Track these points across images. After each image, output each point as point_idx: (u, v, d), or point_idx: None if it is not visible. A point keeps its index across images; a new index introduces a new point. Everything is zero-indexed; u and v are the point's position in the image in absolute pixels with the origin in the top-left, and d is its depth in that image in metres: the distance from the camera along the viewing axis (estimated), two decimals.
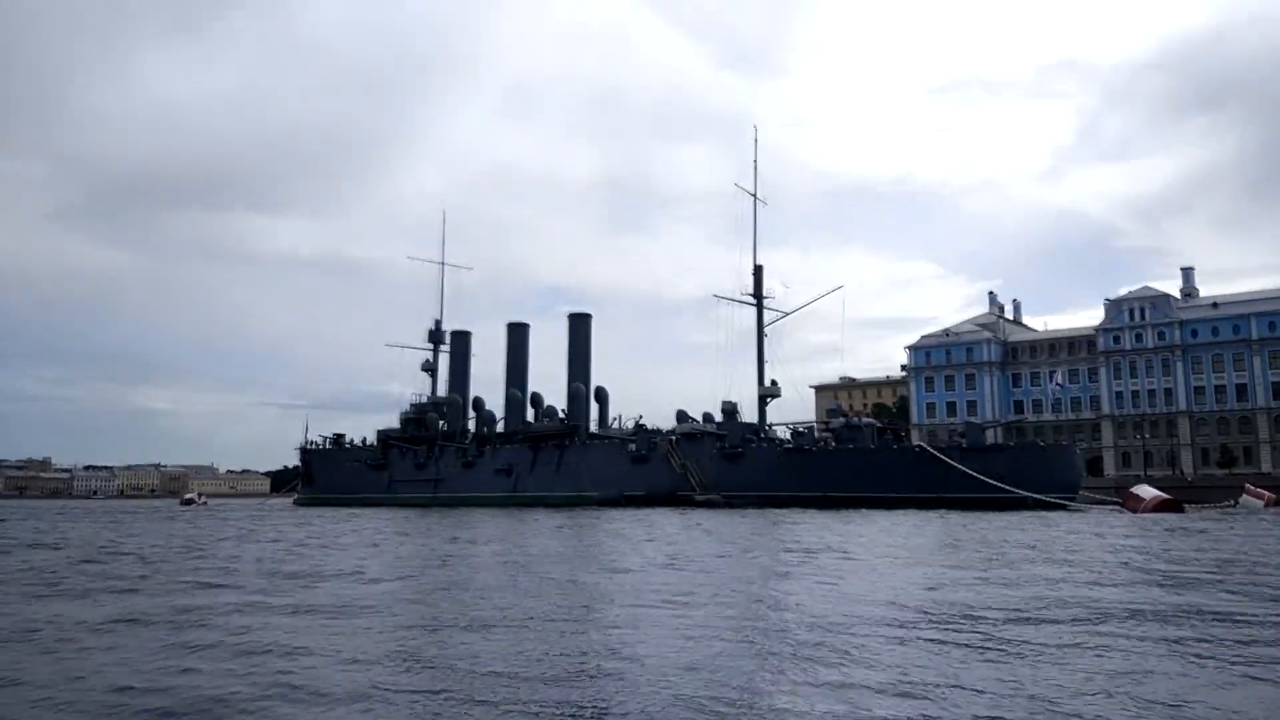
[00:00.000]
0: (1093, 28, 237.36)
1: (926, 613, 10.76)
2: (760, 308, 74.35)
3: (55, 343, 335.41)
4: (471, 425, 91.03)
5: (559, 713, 6.42)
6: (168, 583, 15.09)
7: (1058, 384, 72.24)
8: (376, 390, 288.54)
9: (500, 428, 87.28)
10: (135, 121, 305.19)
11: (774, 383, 74.06)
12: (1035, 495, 53.57)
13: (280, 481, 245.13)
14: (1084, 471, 64.66)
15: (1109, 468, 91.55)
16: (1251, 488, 54.44)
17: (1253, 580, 14.16)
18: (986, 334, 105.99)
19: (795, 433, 69.49)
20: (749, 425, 71.72)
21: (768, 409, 74.36)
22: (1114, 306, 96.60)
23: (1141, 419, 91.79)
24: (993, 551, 20.05)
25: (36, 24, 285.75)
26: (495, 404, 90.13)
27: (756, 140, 77.81)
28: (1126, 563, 17.22)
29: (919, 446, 62.20)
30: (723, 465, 67.91)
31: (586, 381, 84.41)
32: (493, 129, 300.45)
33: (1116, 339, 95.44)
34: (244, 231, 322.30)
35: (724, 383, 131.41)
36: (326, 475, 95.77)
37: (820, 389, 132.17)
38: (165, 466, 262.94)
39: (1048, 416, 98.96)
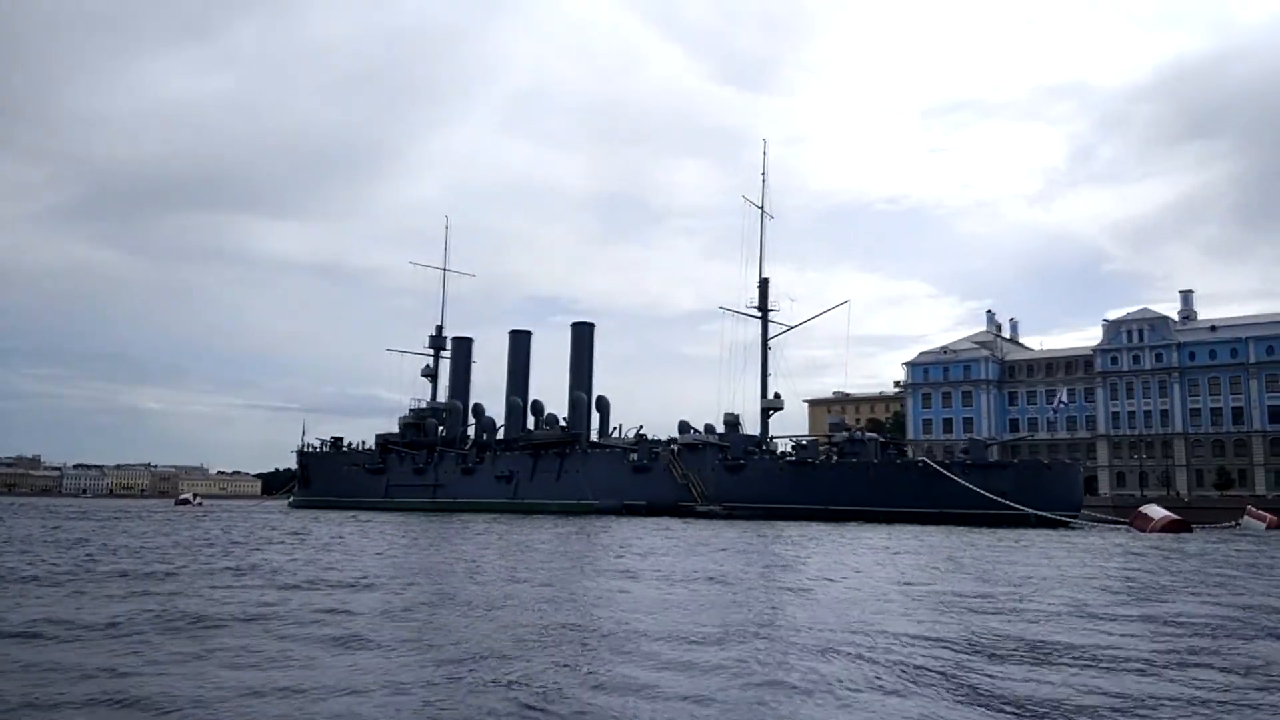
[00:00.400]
0: (1089, 53, 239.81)
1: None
2: (765, 320, 74.81)
3: (49, 341, 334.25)
4: (471, 432, 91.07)
5: None
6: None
7: (1062, 402, 72.78)
8: (368, 395, 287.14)
9: (500, 435, 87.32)
10: (135, 123, 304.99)
11: (777, 395, 74.43)
12: (1039, 512, 53.91)
13: (272, 484, 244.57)
14: (1083, 489, 65.05)
15: (1104, 487, 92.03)
16: (1253, 510, 54.89)
17: None
18: (984, 352, 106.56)
19: (798, 445, 69.78)
20: (751, 437, 72.04)
21: (768, 422, 74.91)
22: (1112, 328, 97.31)
23: (1137, 439, 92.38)
24: (1036, 576, 20.07)
25: (39, 25, 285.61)
26: (493, 411, 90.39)
27: (765, 153, 78.48)
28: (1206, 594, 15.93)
29: (922, 462, 62.55)
30: (725, 476, 68.14)
31: (588, 390, 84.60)
32: (492, 139, 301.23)
33: (1114, 360, 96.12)
34: (240, 234, 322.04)
35: (723, 395, 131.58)
36: (324, 478, 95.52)
37: (814, 403, 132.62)
38: (156, 467, 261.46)
39: (1043, 435, 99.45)
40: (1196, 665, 8.57)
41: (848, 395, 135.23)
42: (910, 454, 72.01)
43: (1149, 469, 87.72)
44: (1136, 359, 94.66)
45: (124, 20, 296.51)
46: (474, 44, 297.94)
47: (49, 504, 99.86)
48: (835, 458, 66.66)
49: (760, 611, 12.34)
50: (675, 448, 73.11)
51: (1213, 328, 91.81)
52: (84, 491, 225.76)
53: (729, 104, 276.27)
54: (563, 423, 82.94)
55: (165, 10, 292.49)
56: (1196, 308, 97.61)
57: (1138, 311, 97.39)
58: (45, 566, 17.97)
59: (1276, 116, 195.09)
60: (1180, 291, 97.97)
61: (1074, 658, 8.91)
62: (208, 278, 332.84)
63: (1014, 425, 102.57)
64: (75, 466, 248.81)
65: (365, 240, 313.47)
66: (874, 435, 70.17)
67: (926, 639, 9.86)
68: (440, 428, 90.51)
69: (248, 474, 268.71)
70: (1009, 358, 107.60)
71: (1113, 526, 52.20)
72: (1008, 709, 6.79)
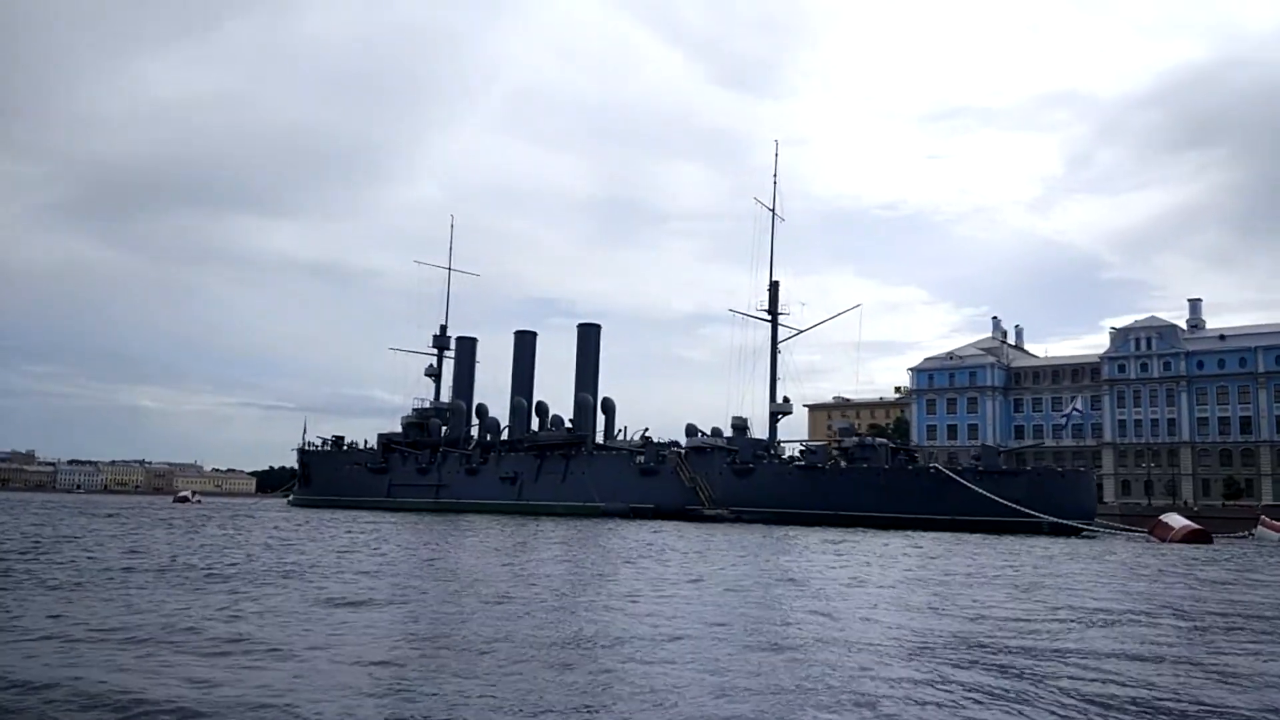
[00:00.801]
0: (1088, 60, 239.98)
1: None
2: (775, 324, 74.18)
3: (46, 339, 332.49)
4: (475, 432, 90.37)
5: None
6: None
7: (1076, 410, 72.46)
8: (364, 395, 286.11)
9: (504, 436, 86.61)
10: (133, 121, 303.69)
11: (786, 400, 73.86)
12: (1054, 519, 53.43)
13: (266, 482, 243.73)
14: (1097, 497, 64.56)
15: (1109, 495, 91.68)
16: (1267, 520, 54.40)
17: None
18: (990, 358, 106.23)
19: (806, 450, 69.18)
20: (759, 441, 71.42)
21: (777, 426, 74.32)
22: (1120, 335, 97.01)
23: (1143, 448, 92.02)
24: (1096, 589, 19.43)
25: (37, 24, 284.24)
26: (495, 412, 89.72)
27: (777, 155, 77.81)
28: None
29: (934, 468, 62.01)
30: (733, 480, 67.49)
31: (594, 392, 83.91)
32: (491, 141, 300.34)
33: (1122, 368, 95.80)
34: (238, 233, 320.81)
35: (731, 398, 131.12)
36: (325, 477, 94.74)
37: (814, 408, 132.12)
38: (150, 463, 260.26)
39: (1048, 442, 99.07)
40: None
41: (848, 400, 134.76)
42: (920, 460, 71.44)
43: (1155, 478, 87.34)
44: (1144, 367, 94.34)
45: (122, 18, 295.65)
46: (472, 45, 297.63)
47: (45, 500, 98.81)
48: (843, 463, 66.13)
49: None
50: (683, 451, 72.48)
51: (1222, 336, 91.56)
52: (78, 487, 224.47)
53: (728, 107, 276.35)
54: (568, 424, 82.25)
55: (164, 8, 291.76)
56: (1191, 319, 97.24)
57: (1146, 319, 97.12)
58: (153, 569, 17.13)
59: (1275, 126, 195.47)
60: (1189, 300, 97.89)
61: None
62: (204, 276, 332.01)
63: (1019, 432, 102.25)
64: (70, 462, 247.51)
65: (362, 241, 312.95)
66: (884, 441, 69.61)
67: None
68: (444, 428, 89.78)
69: (242, 472, 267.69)
70: (1015, 364, 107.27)
71: (1130, 535, 51.66)
72: None
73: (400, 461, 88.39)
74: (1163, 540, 42.97)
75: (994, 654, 9.62)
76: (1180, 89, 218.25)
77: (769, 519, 61.53)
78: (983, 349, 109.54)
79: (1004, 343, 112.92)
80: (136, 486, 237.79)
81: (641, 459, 73.92)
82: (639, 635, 10.34)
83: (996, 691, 7.75)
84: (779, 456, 71.51)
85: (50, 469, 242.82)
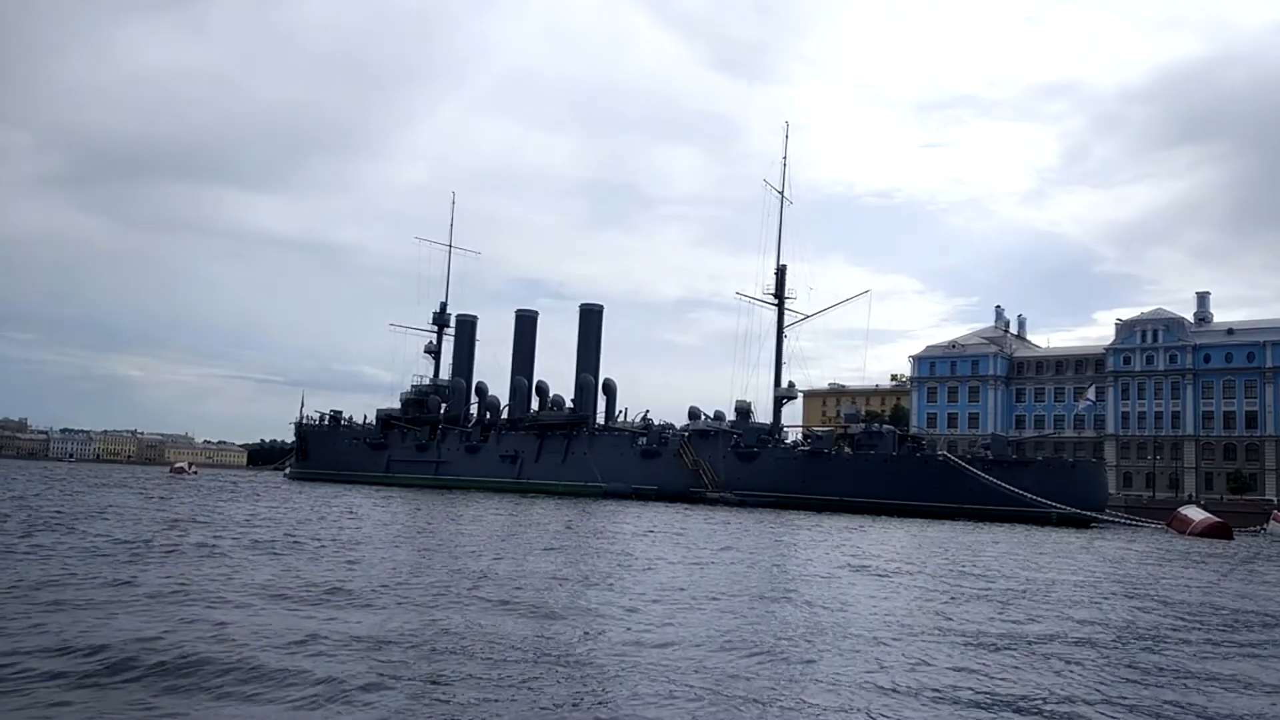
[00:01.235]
0: (1086, 52, 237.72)
1: None
2: (781, 308, 73.37)
3: (30, 307, 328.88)
4: (474, 411, 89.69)
5: None
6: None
7: (1089, 400, 71.71)
8: (352, 371, 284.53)
9: (504, 415, 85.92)
10: (119, 92, 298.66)
11: (791, 385, 73.14)
12: (1065, 509, 52.85)
13: (258, 456, 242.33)
14: (1108, 489, 63.92)
15: (1110, 487, 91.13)
16: (1279, 515, 53.93)
17: None
18: (993, 348, 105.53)
19: (811, 436, 68.52)
20: (763, 426, 70.77)
21: (781, 411, 73.61)
22: (1126, 328, 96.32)
23: (1146, 441, 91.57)
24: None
25: None
26: (495, 392, 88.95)
27: (788, 137, 76.55)
28: None
29: (943, 456, 61.43)
30: (737, 465, 66.86)
31: (595, 373, 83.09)
32: (480, 122, 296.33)
33: (1127, 359, 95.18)
34: (224, 208, 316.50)
35: (721, 383, 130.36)
36: (323, 452, 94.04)
37: (808, 395, 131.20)
38: (142, 434, 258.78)
39: (1049, 432, 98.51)
40: None
41: (843, 388, 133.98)
42: (927, 448, 70.80)
43: (1159, 471, 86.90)
44: (1150, 359, 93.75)
45: None
46: (464, 25, 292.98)
47: (45, 468, 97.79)
48: (848, 449, 65.48)
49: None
50: (686, 433, 71.82)
51: (1230, 330, 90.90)
52: (71, 456, 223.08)
53: (722, 92, 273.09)
54: (569, 405, 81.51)
55: None
56: (1181, 313, 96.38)
57: (1152, 312, 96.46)
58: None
59: (1270, 122, 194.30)
60: (1196, 293, 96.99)
61: None
62: (190, 249, 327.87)
63: (1019, 423, 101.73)
64: (62, 431, 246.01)
65: (349, 218, 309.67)
66: (891, 427, 68.97)
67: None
68: (443, 405, 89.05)
69: (233, 445, 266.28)
70: (1017, 355, 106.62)
71: (1144, 527, 51.05)
72: None
73: (399, 438, 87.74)
74: (1181, 533, 42.36)
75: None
76: (1177, 83, 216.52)
77: (773, 504, 60.95)
78: (985, 338, 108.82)
79: (1006, 332, 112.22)
80: (129, 457, 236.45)
81: (644, 441, 73.31)
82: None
83: None
84: (783, 441, 70.88)
85: (43, 438, 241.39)
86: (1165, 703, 7.37)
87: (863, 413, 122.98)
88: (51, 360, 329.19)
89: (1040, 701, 7.21)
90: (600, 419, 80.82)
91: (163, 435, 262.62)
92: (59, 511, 24.55)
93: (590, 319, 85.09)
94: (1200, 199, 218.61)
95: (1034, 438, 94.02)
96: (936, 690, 7.47)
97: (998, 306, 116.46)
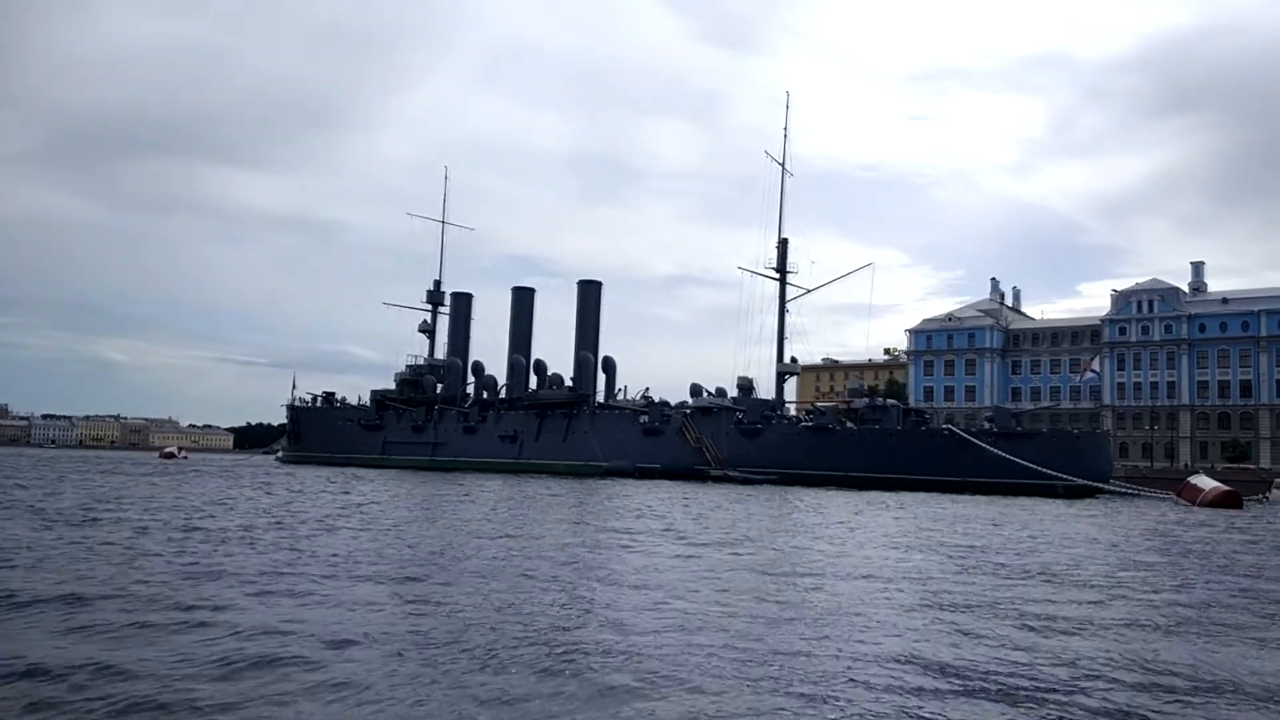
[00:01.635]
0: (1074, 23, 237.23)
1: None
2: (784, 282, 72.72)
3: (9, 288, 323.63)
4: (471, 390, 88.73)
5: None
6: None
7: (1093, 371, 71.65)
8: (339, 350, 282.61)
9: (502, 394, 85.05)
10: (103, 68, 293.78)
11: (794, 360, 72.70)
12: (1070, 479, 52.79)
13: (245, 438, 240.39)
14: (1113, 460, 63.94)
15: None
16: None
17: None
18: (989, 320, 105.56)
19: (815, 411, 68.16)
20: (766, 402, 70.35)
21: (784, 386, 73.21)
22: (1121, 298, 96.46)
23: (1143, 411, 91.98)
24: None
25: None
26: (490, 371, 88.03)
27: (789, 107, 75.55)
28: None
29: (948, 429, 61.21)
30: (740, 441, 66.45)
31: (595, 350, 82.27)
32: (470, 97, 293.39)
33: (1122, 330, 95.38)
34: (208, 185, 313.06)
35: (737, 358, 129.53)
36: (316, 434, 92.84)
37: (803, 370, 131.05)
38: (125, 418, 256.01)
39: (1045, 404, 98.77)
40: None
41: (836, 362, 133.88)
42: (932, 422, 70.66)
43: (1156, 441, 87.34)
44: (1145, 330, 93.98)
45: None
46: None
47: (37, 455, 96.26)
48: (850, 424, 65.16)
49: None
50: (688, 410, 71.30)
51: (1225, 300, 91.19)
52: (52, 442, 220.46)
53: (709, 64, 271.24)
54: (569, 383, 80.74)
55: None
56: (1175, 283, 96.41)
57: (1148, 282, 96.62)
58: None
59: (1257, 93, 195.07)
60: (1191, 263, 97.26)
61: None
62: (174, 227, 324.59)
63: (1016, 394, 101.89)
64: (43, 416, 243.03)
65: (335, 194, 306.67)
66: (894, 401, 68.72)
67: None
68: (439, 385, 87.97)
69: (219, 428, 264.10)
70: (1013, 327, 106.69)
71: (1152, 497, 51.05)
72: None
73: (395, 418, 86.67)
74: (1192, 503, 42.32)
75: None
76: (1164, 54, 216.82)
77: (777, 480, 60.70)
78: (981, 311, 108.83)
79: (1002, 305, 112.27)
80: (113, 442, 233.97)
81: (645, 419, 72.74)
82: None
83: None
84: (787, 417, 70.52)
85: (24, 423, 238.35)
86: None
87: (866, 387, 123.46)
88: (30, 344, 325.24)
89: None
90: (600, 397, 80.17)
91: (147, 419, 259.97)
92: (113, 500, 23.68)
93: (589, 294, 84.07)
94: (1187, 169, 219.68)
95: (1030, 410, 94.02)
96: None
97: (993, 279, 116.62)
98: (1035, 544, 19.49)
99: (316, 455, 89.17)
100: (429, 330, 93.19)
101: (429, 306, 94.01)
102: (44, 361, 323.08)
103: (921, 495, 46.77)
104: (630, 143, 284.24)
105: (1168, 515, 33.99)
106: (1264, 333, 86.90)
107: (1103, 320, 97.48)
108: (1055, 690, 6.67)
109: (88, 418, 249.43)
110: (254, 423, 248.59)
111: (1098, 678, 7.07)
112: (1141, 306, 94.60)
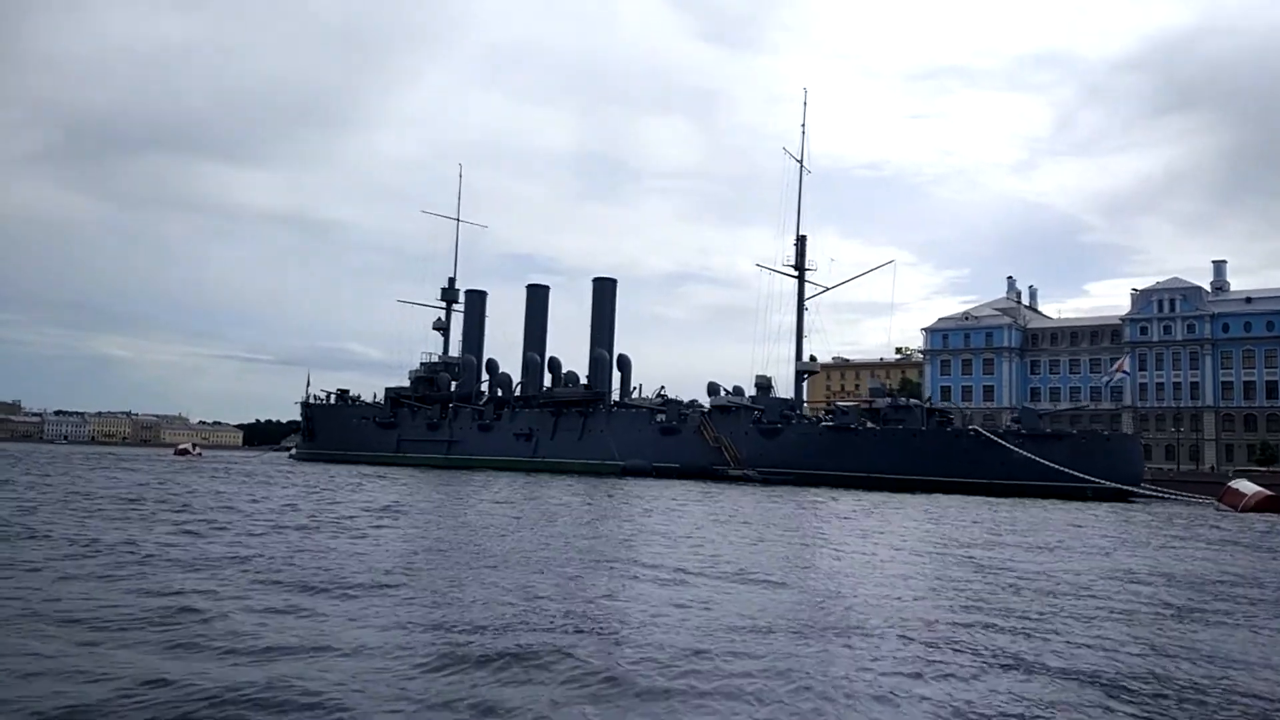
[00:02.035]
0: (1075, 21, 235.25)
1: None
2: (802, 279, 71.80)
3: (18, 286, 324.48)
4: (485, 388, 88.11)
5: None
6: None
7: (1124, 372, 70.38)
8: (340, 348, 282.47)
9: (516, 392, 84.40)
10: (102, 66, 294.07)
11: (813, 358, 71.82)
12: (1100, 482, 51.78)
13: (253, 435, 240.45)
14: (1144, 462, 62.73)
15: None
16: None
17: None
18: (1006, 319, 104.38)
19: (837, 410, 67.23)
20: (785, 401, 69.48)
21: (803, 385, 72.28)
22: (1143, 297, 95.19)
23: (1165, 412, 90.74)
24: None
25: None
26: (502, 368, 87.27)
27: (806, 104, 74.60)
28: None
29: (974, 430, 60.17)
30: (760, 441, 65.57)
31: (610, 348, 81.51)
32: (469, 95, 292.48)
33: (1144, 330, 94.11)
34: (207, 183, 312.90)
35: (756, 357, 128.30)
36: (330, 431, 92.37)
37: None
38: (136, 415, 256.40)
39: (1065, 405, 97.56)
40: None
41: (847, 361, 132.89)
42: (956, 422, 69.60)
43: (1175, 442, 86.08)
44: (1167, 329, 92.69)
45: None
46: None
47: (51, 451, 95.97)
48: (871, 424, 64.15)
49: None
50: (706, 410, 70.46)
51: (1248, 299, 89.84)
52: (65, 438, 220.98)
53: (708, 62, 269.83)
54: (584, 381, 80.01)
55: None
56: (1195, 281, 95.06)
57: (1168, 281, 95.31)
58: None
59: (1259, 91, 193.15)
60: (1213, 261, 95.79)
61: None
62: (174, 225, 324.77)
63: (1034, 395, 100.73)
64: (56, 413, 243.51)
65: (336, 192, 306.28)
66: (917, 401, 67.74)
67: None
68: (453, 382, 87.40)
69: (228, 424, 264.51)
70: (1031, 326, 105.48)
71: (1189, 501, 49.94)
72: None
73: (409, 416, 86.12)
74: (1234, 508, 41.28)
75: None
76: (1165, 53, 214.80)
77: (797, 480, 59.83)
78: (998, 309, 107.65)
79: (1019, 303, 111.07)
80: (124, 438, 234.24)
81: (662, 417, 71.96)
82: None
83: None
84: (807, 417, 69.63)
85: (37, 419, 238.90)
86: None
87: (865, 388, 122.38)
88: (40, 341, 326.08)
89: None
90: (615, 395, 79.41)
91: (157, 416, 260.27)
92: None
93: (604, 292, 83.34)
94: (1188, 168, 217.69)
95: (1049, 411, 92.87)
96: None
97: (1009, 277, 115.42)
98: (1132, 572, 18.44)
99: (331, 453, 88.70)
100: (443, 328, 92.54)
101: (442, 304, 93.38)
102: (54, 359, 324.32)
103: (954, 498, 45.80)
104: (629, 141, 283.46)
105: (1224, 523, 32.95)
106: None
107: (1123, 319, 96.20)
108: None
109: (100, 414, 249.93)
110: (262, 419, 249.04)
111: None
112: (1163, 305, 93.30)
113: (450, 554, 14.69)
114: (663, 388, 77.81)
